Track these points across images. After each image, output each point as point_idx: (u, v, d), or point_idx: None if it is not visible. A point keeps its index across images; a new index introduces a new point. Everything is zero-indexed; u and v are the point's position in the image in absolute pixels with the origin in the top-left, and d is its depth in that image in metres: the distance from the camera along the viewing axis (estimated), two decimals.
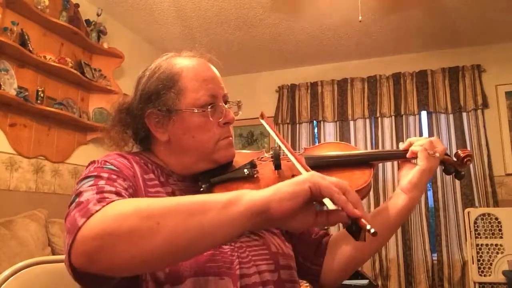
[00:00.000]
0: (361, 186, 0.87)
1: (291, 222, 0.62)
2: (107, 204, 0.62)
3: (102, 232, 0.57)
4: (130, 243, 0.56)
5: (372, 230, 0.58)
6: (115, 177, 0.75)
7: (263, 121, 0.97)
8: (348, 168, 0.92)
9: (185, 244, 0.58)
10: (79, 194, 0.69)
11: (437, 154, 0.95)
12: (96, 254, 0.57)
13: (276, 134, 0.91)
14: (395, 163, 1.01)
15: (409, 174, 0.95)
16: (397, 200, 0.94)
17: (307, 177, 0.62)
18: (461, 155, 1.00)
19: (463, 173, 1.02)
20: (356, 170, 0.91)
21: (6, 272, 0.86)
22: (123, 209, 0.60)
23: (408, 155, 0.96)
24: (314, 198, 0.62)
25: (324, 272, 0.98)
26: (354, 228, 0.62)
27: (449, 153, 1.02)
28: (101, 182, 0.72)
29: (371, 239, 0.93)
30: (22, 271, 0.88)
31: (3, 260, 2.18)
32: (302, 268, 0.98)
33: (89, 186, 0.70)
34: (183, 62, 0.90)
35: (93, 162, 0.81)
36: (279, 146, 0.89)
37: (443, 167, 1.02)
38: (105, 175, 0.74)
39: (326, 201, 0.63)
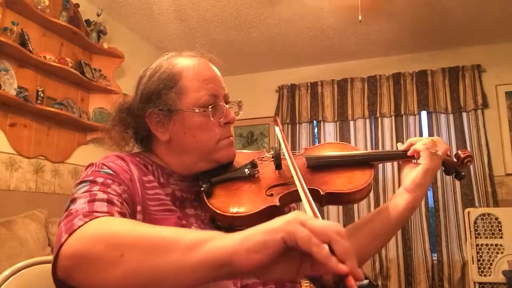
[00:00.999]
0: (362, 186, 0.87)
1: (268, 274, 0.52)
2: (90, 220, 0.64)
3: (75, 253, 0.59)
4: (96, 269, 0.57)
5: None
6: (110, 182, 0.76)
7: (277, 129, 0.98)
8: (349, 168, 0.92)
9: (143, 283, 0.56)
10: (73, 200, 0.71)
11: (439, 153, 0.94)
12: (71, 272, 0.60)
13: (285, 146, 0.89)
14: (395, 163, 1.02)
15: (412, 174, 0.94)
16: (400, 199, 0.94)
17: (281, 224, 0.51)
18: (462, 155, 1.00)
19: (463, 173, 1.02)
20: (357, 170, 0.91)
21: (6, 272, 0.86)
22: (98, 231, 0.61)
23: (409, 153, 0.96)
24: (292, 248, 0.50)
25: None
26: (342, 286, 0.50)
27: (449, 154, 1.02)
28: (95, 188, 0.73)
29: (372, 238, 0.92)
30: (22, 271, 0.88)
31: (3, 260, 2.18)
32: None
33: (83, 192, 0.72)
34: (184, 62, 0.90)
35: (91, 165, 0.81)
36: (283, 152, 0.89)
37: (443, 168, 1.02)
38: (100, 180, 0.75)
39: None
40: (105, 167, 0.79)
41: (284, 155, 0.89)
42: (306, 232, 0.49)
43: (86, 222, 0.63)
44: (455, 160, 1.01)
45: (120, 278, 0.56)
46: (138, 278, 0.55)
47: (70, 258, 0.59)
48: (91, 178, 0.76)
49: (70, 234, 0.62)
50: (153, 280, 0.55)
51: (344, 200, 0.89)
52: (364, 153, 0.99)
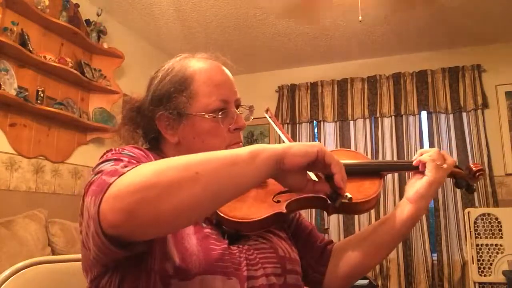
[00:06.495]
0: (371, 196, 0.87)
1: (290, 179, 0.70)
2: (135, 166, 0.63)
3: (142, 186, 0.57)
4: (172, 194, 0.58)
5: (349, 196, 0.72)
6: (135, 162, 0.74)
7: (267, 116, 0.97)
8: (358, 178, 0.91)
9: (221, 190, 0.62)
10: (99, 172, 0.68)
11: (445, 165, 0.93)
12: (136, 208, 0.56)
13: (278, 126, 0.90)
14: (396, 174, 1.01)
15: (416, 185, 0.93)
16: (403, 210, 0.93)
17: (317, 143, 0.71)
18: (474, 169, 0.99)
19: (474, 187, 1.01)
20: (366, 180, 0.91)
21: (6, 272, 0.86)
22: (157, 165, 0.61)
23: (414, 163, 0.95)
24: (315, 163, 0.70)
25: (327, 280, 0.97)
26: (334, 196, 0.73)
27: (459, 166, 1.01)
28: (122, 164, 0.71)
29: (376, 248, 0.93)
30: (22, 271, 0.88)
31: (3, 260, 2.18)
32: (304, 274, 0.97)
33: (111, 165, 0.70)
34: (197, 65, 0.89)
35: (109, 150, 0.80)
36: (279, 137, 0.90)
37: (454, 181, 1.01)
38: (125, 159, 0.74)
39: (310, 173, 0.74)
40: (126, 150, 0.78)
41: None
42: (330, 153, 0.71)
43: (132, 168, 0.62)
44: (466, 172, 1.00)
45: (200, 193, 0.60)
46: (216, 188, 0.62)
47: (134, 193, 0.57)
48: (115, 157, 0.74)
49: (119, 176, 0.60)
50: (229, 186, 0.63)
51: (352, 210, 0.88)
52: (372, 163, 0.99)
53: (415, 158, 0.97)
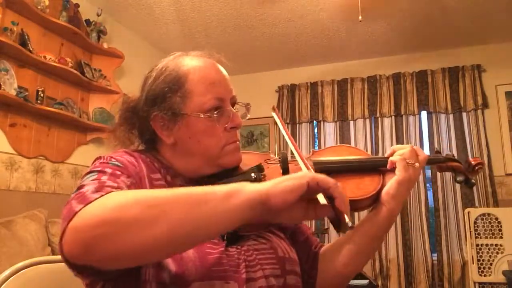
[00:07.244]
0: (370, 193, 0.85)
1: (285, 215, 0.65)
2: (106, 193, 0.62)
3: (102, 220, 0.56)
4: (133, 232, 0.55)
5: (350, 224, 0.64)
6: (119, 173, 0.74)
7: (274, 115, 0.95)
8: (358, 174, 0.89)
9: (187, 233, 0.58)
10: (80, 187, 0.68)
11: (417, 164, 0.90)
12: (94, 243, 0.55)
13: (285, 129, 0.89)
14: None
15: (387, 186, 0.89)
16: (377, 212, 0.89)
17: (304, 173, 0.66)
18: (472, 162, 0.98)
19: (473, 181, 1.00)
20: (366, 177, 0.89)
21: (6, 272, 0.86)
22: (123, 198, 0.60)
23: (388, 165, 0.91)
24: (309, 193, 0.64)
25: (318, 284, 0.95)
26: (337, 222, 0.67)
27: (459, 160, 1.00)
28: (104, 177, 0.71)
29: (355, 253, 0.92)
30: (22, 271, 0.88)
31: (3, 260, 2.18)
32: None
33: (92, 180, 0.70)
34: (191, 63, 0.88)
35: (99, 157, 0.80)
36: (282, 136, 0.90)
37: (453, 174, 1.01)
38: (109, 170, 0.74)
39: (319, 197, 0.66)
40: (113, 159, 0.78)
41: (291, 157, 0.88)
42: (323, 177, 0.65)
43: (102, 195, 0.61)
44: (466, 166, 1.00)
45: (163, 233, 0.56)
46: (181, 229, 0.58)
47: (95, 227, 0.55)
48: (99, 168, 0.74)
49: (85, 205, 0.59)
50: (196, 228, 0.59)
51: (351, 207, 0.85)
52: (358, 159, 0.95)
53: (388, 155, 0.93)
